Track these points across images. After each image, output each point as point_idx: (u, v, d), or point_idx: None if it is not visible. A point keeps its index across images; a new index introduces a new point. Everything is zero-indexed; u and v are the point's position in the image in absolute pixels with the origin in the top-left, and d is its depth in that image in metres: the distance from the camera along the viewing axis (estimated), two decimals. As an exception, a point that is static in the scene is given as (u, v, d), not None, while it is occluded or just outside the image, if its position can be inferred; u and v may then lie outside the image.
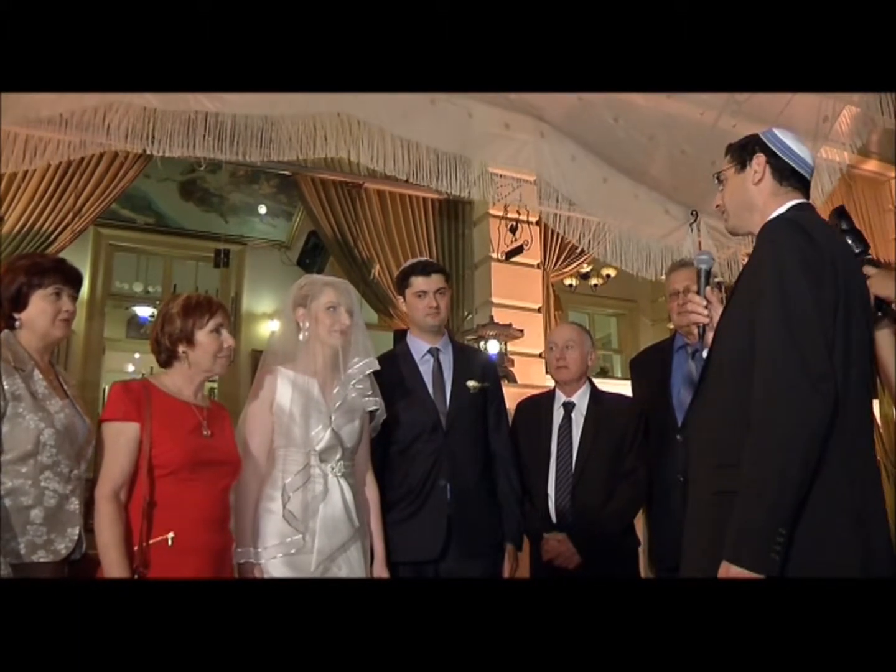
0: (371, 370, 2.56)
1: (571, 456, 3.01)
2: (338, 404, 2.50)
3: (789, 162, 1.93)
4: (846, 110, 4.38)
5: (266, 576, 2.33)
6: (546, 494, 2.99)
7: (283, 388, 2.48)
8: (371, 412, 2.62)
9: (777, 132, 1.97)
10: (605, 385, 3.26)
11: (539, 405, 3.18)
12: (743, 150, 1.98)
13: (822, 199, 4.68)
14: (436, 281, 2.89)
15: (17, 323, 2.21)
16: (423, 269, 2.92)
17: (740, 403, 1.72)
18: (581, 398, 3.12)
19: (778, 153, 1.93)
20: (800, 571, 1.61)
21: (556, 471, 3.00)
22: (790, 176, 1.93)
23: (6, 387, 2.06)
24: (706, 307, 2.06)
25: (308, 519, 2.39)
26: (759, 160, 1.94)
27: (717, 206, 2.07)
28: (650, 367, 3.25)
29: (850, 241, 2.21)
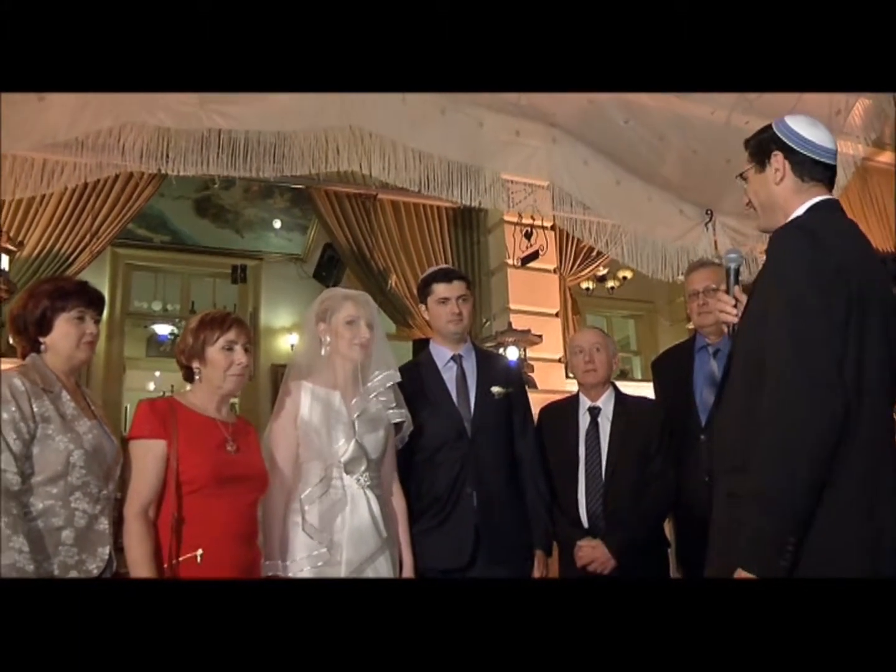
0: (391, 382, 2.57)
1: (601, 461, 2.98)
2: (357, 415, 2.51)
3: (809, 154, 1.85)
4: (859, 103, 4.37)
5: (296, 589, 2.34)
6: (576, 501, 2.96)
7: (307, 402, 2.50)
8: (397, 424, 2.62)
9: (790, 123, 1.88)
10: (625, 387, 3.25)
11: (564, 411, 3.15)
12: (760, 149, 1.91)
13: (837, 193, 4.66)
14: (458, 287, 2.89)
15: (42, 347, 2.23)
16: (445, 275, 2.93)
17: (751, 408, 1.71)
18: (606, 402, 3.09)
19: (796, 147, 1.85)
20: (813, 571, 1.62)
21: (586, 476, 2.97)
22: (812, 168, 1.86)
23: (35, 409, 2.07)
24: (735, 306, 2.01)
25: (331, 531, 2.39)
26: (778, 159, 1.87)
27: (747, 205, 2.00)
28: (672, 368, 3.23)
29: None
